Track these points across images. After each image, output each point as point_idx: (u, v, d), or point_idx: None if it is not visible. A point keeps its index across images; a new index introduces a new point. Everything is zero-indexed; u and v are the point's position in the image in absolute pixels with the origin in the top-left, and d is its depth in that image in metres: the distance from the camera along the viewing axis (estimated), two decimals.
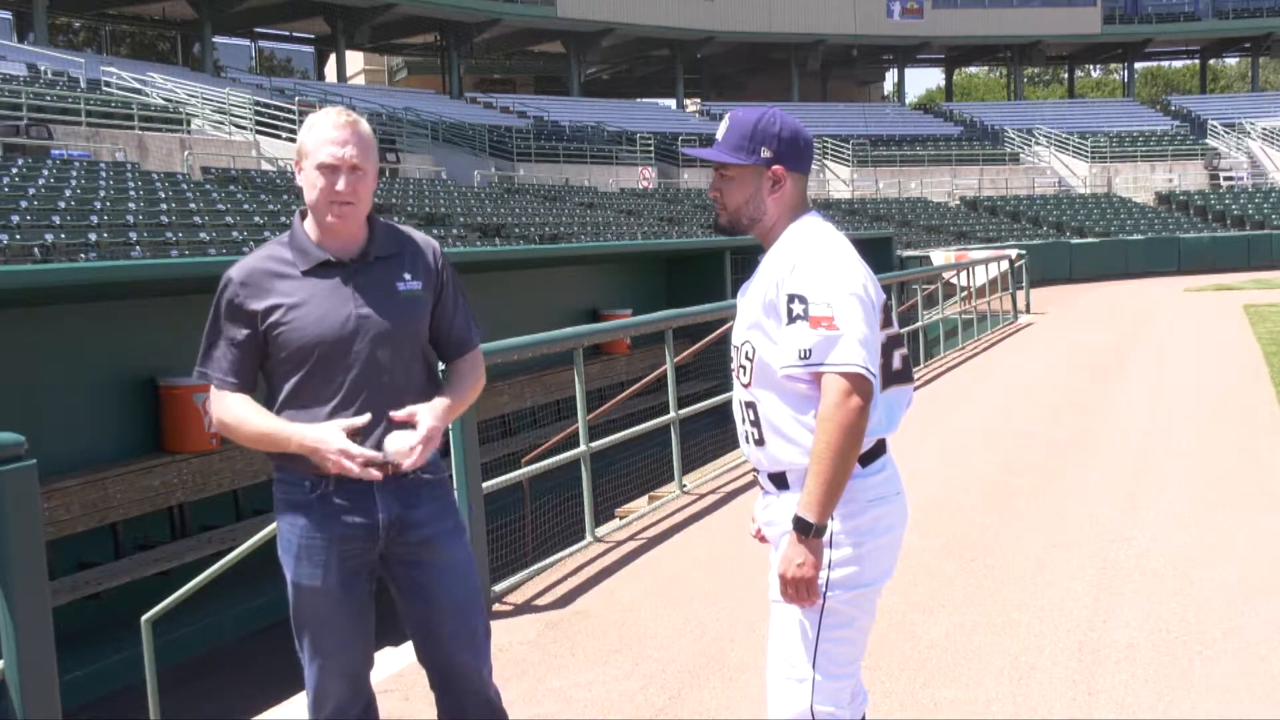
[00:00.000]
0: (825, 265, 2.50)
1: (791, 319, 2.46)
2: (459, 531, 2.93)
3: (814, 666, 2.54)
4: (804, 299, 2.45)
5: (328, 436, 2.67)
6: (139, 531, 7.82)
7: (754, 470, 2.74)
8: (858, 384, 2.40)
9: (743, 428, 2.67)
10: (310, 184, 2.76)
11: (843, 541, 2.52)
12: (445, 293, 2.90)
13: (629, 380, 10.89)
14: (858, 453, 2.45)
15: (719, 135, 2.64)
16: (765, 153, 2.59)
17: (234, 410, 2.77)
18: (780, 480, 2.60)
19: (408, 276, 2.82)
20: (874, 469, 2.58)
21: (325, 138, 2.74)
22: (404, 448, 2.71)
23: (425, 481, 2.86)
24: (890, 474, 2.63)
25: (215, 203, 19.79)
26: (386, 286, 2.80)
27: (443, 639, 2.87)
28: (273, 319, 2.73)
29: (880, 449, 2.61)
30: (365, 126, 2.80)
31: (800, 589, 2.46)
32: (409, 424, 2.74)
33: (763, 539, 2.77)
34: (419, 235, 2.94)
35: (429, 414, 2.76)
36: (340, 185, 2.73)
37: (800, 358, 2.44)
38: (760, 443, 2.60)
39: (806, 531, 2.43)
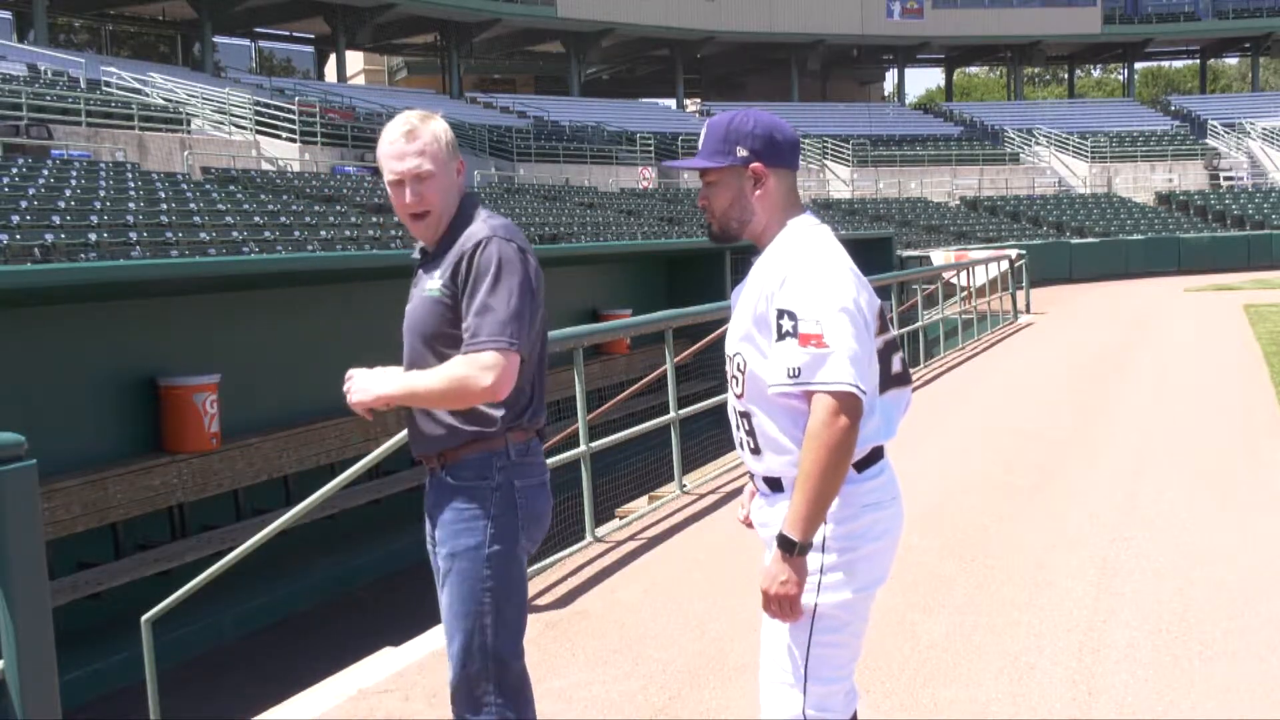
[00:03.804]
0: (815, 279, 2.46)
1: (781, 335, 2.43)
2: (474, 550, 2.80)
3: (806, 672, 2.53)
4: (794, 315, 2.42)
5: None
6: (139, 531, 7.82)
7: (749, 473, 2.74)
8: (846, 403, 2.38)
9: (738, 434, 2.66)
10: (390, 197, 2.89)
11: (835, 546, 2.50)
12: (468, 290, 2.77)
13: (629, 380, 10.89)
14: (845, 471, 2.42)
15: (699, 144, 2.62)
16: (741, 151, 2.56)
17: None
18: (775, 484, 2.59)
19: (437, 276, 2.81)
20: (869, 475, 2.55)
21: (385, 153, 2.84)
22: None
23: (449, 485, 2.84)
24: (887, 480, 2.61)
25: (215, 203, 19.76)
26: (423, 285, 2.86)
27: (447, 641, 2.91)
28: None
29: (877, 455, 2.59)
30: (428, 128, 2.82)
31: (784, 606, 2.43)
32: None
33: (751, 524, 2.78)
34: (476, 229, 2.82)
35: (369, 373, 2.84)
36: (408, 198, 2.81)
37: (790, 376, 2.42)
38: (756, 451, 2.60)
39: (791, 549, 2.40)
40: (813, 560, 2.48)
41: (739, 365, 2.58)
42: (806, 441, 2.40)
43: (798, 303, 2.43)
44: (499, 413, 2.82)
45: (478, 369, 2.71)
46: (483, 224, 2.82)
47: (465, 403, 2.77)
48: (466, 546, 2.81)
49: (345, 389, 2.85)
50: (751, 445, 2.60)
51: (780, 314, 2.44)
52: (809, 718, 2.54)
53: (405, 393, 2.80)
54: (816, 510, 2.39)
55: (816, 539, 2.46)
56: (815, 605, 2.50)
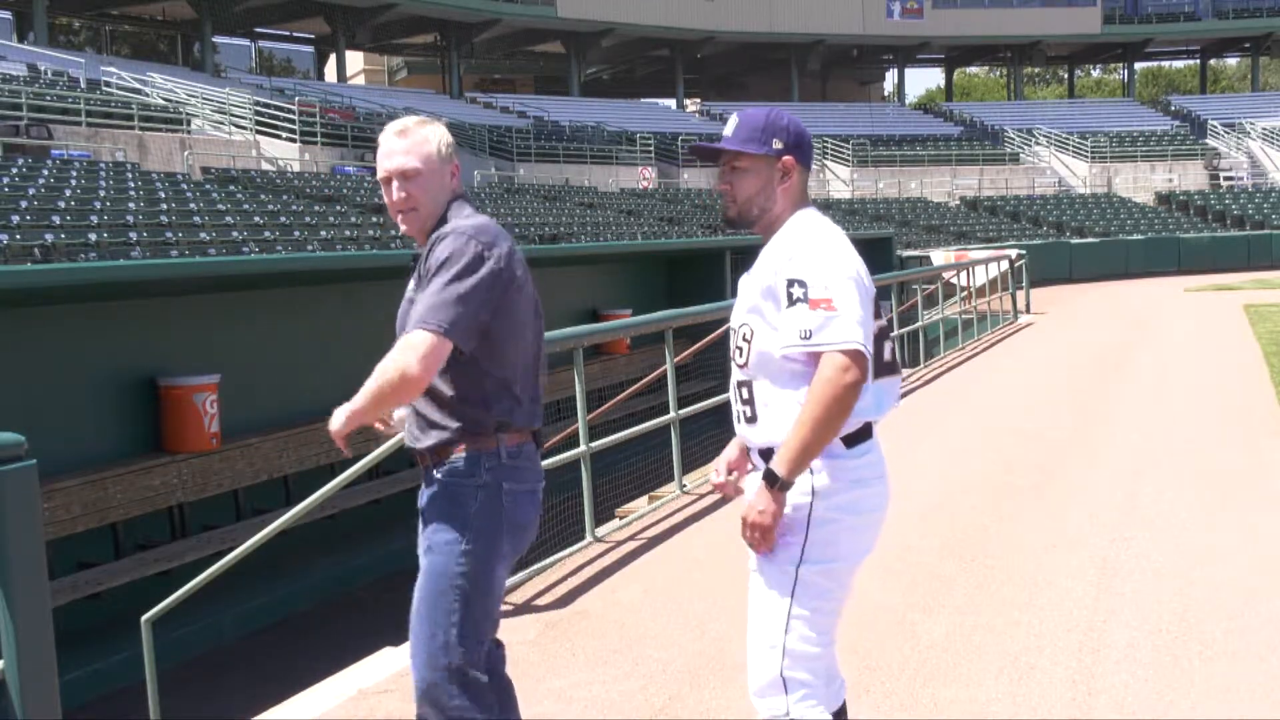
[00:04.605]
0: (822, 252, 2.62)
1: (792, 302, 2.58)
2: (448, 545, 2.78)
3: (785, 634, 2.65)
4: (803, 283, 2.57)
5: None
6: (139, 531, 7.82)
7: (745, 449, 2.85)
8: (855, 359, 2.52)
9: (736, 407, 2.78)
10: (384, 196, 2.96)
11: (821, 518, 2.63)
12: (424, 281, 2.78)
13: (629, 380, 10.88)
14: (841, 424, 2.55)
15: (728, 132, 2.75)
16: (777, 144, 2.72)
17: None
18: (769, 457, 2.67)
19: (415, 275, 2.88)
20: (858, 451, 2.67)
21: (379, 153, 2.92)
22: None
23: (437, 482, 2.85)
24: (874, 458, 2.72)
25: (215, 203, 19.76)
26: (408, 286, 2.90)
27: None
28: None
29: (866, 433, 2.70)
30: (421, 130, 2.89)
31: (758, 534, 2.59)
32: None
33: (728, 492, 2.90)
34: (445, 228, 2.82)
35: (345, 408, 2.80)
36: (395, 195, 2.87)
37: (801, 337, 2.55)
38: (752, 420, 2.72)
39: (773, 483, 2.55)
40: (798, 530, 2.61)
41: (744, 336, 2.71)
42: (811, 391, 2.52)
43: (806, 272, 2.58)
44: (463, 399, 2.81)
45: (399, 351, 2.70)
46: (451, 223, 2.84)
47: (399, 389, 2.70)
48: (442, 541, 2.80)
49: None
50: (748, 414, 2.72)
51: (790, 283, 2.59)
52: (787, 679, 2.64)
53: (362, 400, 2.75)
54: (806, 453, 2.53)
55: (802, 513, 2.61)
56: (798, 571, 2.63)
